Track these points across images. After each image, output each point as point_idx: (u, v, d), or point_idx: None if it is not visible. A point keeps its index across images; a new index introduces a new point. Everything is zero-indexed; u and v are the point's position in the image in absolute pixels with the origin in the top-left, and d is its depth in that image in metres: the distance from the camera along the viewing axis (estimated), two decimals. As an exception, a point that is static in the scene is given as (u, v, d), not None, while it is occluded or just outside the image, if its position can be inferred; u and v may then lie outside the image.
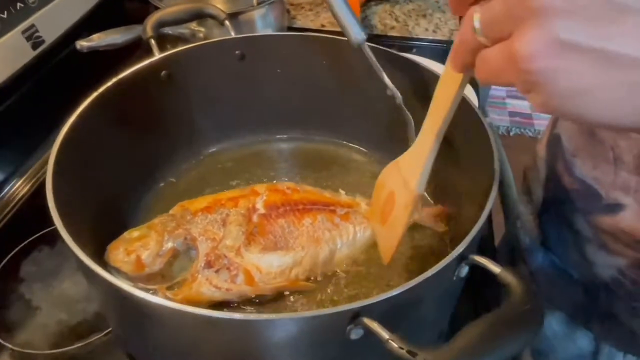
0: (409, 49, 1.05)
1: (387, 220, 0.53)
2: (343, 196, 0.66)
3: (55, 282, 0.62)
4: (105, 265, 0.55)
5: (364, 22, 1.14)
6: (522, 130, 2.45)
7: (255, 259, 0.56)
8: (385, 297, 0.38)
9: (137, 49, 0.99)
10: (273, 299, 0.57)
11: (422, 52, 1.04)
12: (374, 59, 0.62)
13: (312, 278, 0.58)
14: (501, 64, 0.26)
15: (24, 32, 0.77)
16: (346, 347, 0.40)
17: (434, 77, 0.64)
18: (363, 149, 0.76)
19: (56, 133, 0.83)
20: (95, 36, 0.75)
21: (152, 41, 0.69)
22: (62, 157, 0.52)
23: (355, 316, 0.37)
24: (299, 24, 1.13)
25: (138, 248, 0.55)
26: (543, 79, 0.25)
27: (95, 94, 0.59)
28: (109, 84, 0.60)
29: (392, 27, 1.14)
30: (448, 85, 0.39)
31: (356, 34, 0.59)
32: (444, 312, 0.53)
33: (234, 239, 0.57)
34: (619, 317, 0.58)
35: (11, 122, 0.78)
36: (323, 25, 1.14)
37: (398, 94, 0.64)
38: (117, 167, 0.62)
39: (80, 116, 0.56)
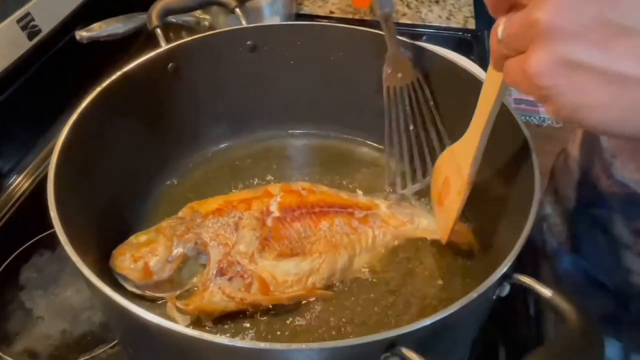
0: (419, 37, 1.01)
1: (444, 203, 0.55)
2: (361, 197, 0.63)
3: (57, 290, 0.60)
4: (110, 271, 0.53)
5: (375, 10, 1.09)
6: (528, 117, 2.42)
7: (270, 266, 0.53)
8: (425, 324, 0.35)
9: (139, 38, 0.96)
10: (289, 309, 0.53)
11: (433, 40, 1.00)
12: (395, 35, 0.62)
13: (330, 286, 0.55)
14: (518, 76, 0.29)
15: (19, 21, 0.74)
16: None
17: (444, 63, 0.63)
18: (380, 146, 0.72)
19: (55, 127, 0.81)
20: (95, 25, 0.72)
21: (158, 31, 0.65)
22: (64, 157, 0.48)
23: (391, 345, 0.34)
24: (306, 10, 1.09)
25: (146, 254, 0.53)
26: (552, 93, 0.27)
27: (98, 89, 0.55)
28: (113, 77, 0.57)
29: (404, 14, 1.10)
30: (493, 77, 0.42)
31: (387, 4, 0.61)
32: (475, 330, 0.50)
33: (247, 245, 0.54)
34: (652, 327, 0.55)
35: (8, 116, 0.74)
36: (332, 12, 1.09)
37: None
38: (121, 165, 0.59)
39: (83, 113, 0.53)
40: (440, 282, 0.56)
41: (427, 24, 1.07)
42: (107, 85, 0.56)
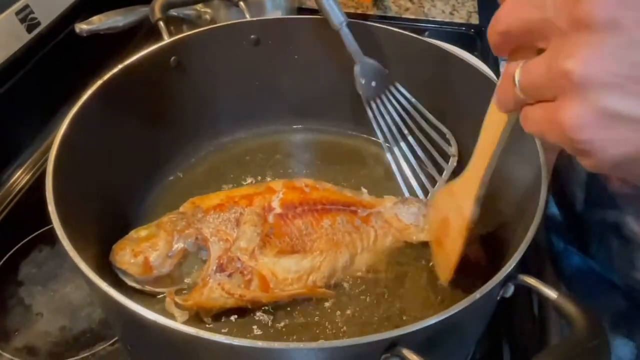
0: (422, 32, 1.00)
1: (444, 242, 0.52)
2: (365, 195, 0.62)
3: (57, 286, 0.59)
4: (109, 267, 0.52)
5: (378, 4, 1.09)
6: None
7: (270, 263, 0.53)
8: (426, 324, 0.34)
9: (139, 31, 0.95)
10: (289, 307, 0.53)
11: (436, 35, 0.99)
12: (354, 44, 0.62)
13: (331, 284, 0.54)
14: (547, 126, 0.27)
15: (17, 13, 0.73)
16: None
17: (450, 58, 0.62)
18: (386, 143, 0.71)
19: (54, 121, 0.80)
20: (95, 18, 0.71)
21: (161, 24, 0.64)
22: (63, 150, 0.48)
23: (391, 345, 0.34)
24: (308, 4, 1.07)
25: (146, 249, 0.52)
26: (592, 148, 0.26)
27: (99, 82, 0.54)
28: (115, 70, 0.56)
29: (407, 9, 1.09)
30: (497, 116, 0.38)
31: (336, 17, 0.61)
32: (477, 332, 0.50)
33: (248, 241, 0.54)
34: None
35: (6, 110, 0.73)
36: (334, 6, 1.08)
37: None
38: (122, 160, 0.59)
39: (83, 106, 0.52)
40: (443, 282, 0.55)
41: (430, 19, 1.06)
42: (109, 78, 0.55)
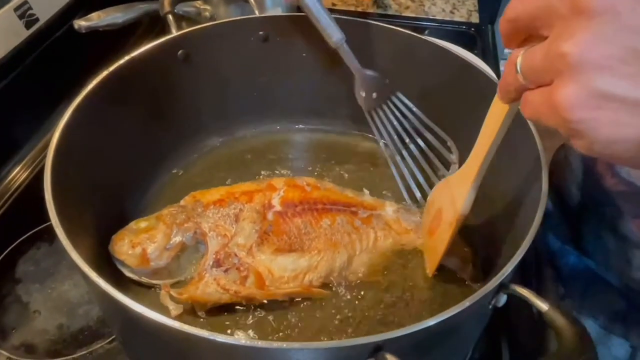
0: (422, 31, 1.00)
1: (434, 235, 0.52)
2: (367, 197, 0.61)
3: (54, 284, 0.59)
4: (107, 264, 0.52)
5: (378, 2, 1.08)
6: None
7: (267, 261, 0.53)
8: (411, 330, 0.34)
9: (138, 28, 0.94)
10: (284, 305, 0.52)
11: (436, 33, 0.99)
12: (354, 59, 0.61)
13: (327, 284, 0.54)
14: (543, 108, 0.28)
15: (16, 9, 0.72)
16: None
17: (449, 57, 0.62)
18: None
19: (53, 118, 0.80)
20: (94, 15, 0.70)
21: (170, 17, 0.65)
22: (64, 142, 0.47)
23: (376, 350, 0.33)
24: (308, 2, 1.07)
25: (144, 241, 0.52)
26: (584, 127, 0.26)
27: (105, 73, 0.54)
28: (121, 62, 0.56)
29: (407, 7, 1.09)
30: (497, 111, 0.40)
31: (334, 34, 0.60)
32: (470, 341, 0.49)
33: (246, 237, 0.54)
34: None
35: (5, 107, 0.73)
36: (334, 4, 1.07)
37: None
38: (123, 154, 0.58)
39: (87, 97, 0.51)
40: (441, 288, 0.54)
41: (430, 17, 1.06)
42: (115, 68, 0.55)
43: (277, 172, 0.66)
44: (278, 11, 0.90)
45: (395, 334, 0.33)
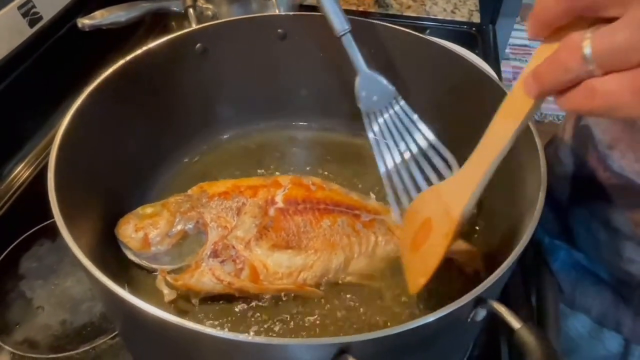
0: (423, 30, 1.00)
1: (420, 248, 0.47)
2: (372, 201, 0.61)
3: (57, 280, 0.59)
4: (110, 259, 0.53)
5: (379, 1, 1.09)
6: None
7: (263, 256, 0.53)
8: (375, 336, 0.33)
9: (141, 26, 0.95)
10: (275, 299, 0.53)
11: (437, 33, 0.99)
12: (359, 56, 0.59)
13: (321, 284, 0.54)
14: (623, 97, 0.25)
15: (20, 7, 0.73)
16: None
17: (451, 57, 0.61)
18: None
19: (56, 116, 0.80)
20: (97, 13, 0.70)
21: (191, 11, 0.65)
22: (67, 140, 0.47)
23: (340, 352, 0.32)
24: (310, 1, 1.07)
25: (147, 226, 0.54)
26: None
27: (121, 62, 0.55)
28: (138, 52, 0.57)
29: (409, 7, 1.09)
30: (511, 113, 0.36)
31: (340, 23, 0.59)
32: (450, 352, 0.48)
33: (245, 231, 0.54)
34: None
35: (8, 105, 0.73)
36: (336, 4, 1.08)
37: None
38: (129, 150, 0.59)
39: (99, 86, 0.52)
40: (434, 300, 0.52)
41: (432, 17, 1.06)
42: (131, 58, 0.55)
43: (285, 168, 0.67)
44: (280, 11, 0.90)
45: (358, 338, 0.32)
